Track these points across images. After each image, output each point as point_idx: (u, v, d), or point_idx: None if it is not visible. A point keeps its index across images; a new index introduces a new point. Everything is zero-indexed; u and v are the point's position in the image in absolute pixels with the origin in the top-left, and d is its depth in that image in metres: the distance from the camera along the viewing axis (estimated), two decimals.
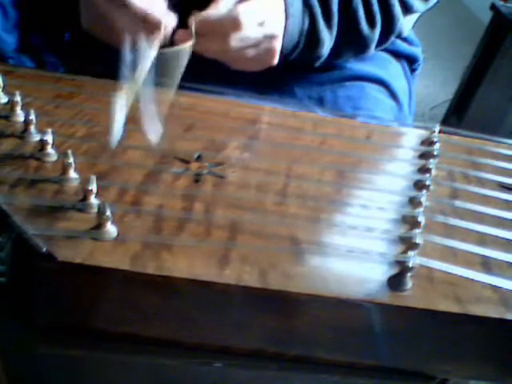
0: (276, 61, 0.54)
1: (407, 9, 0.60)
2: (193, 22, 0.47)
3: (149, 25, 0.47)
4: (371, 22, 0.58)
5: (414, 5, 0.60)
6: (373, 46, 0.61)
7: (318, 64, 0.60)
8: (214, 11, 0.48)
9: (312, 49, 0.57)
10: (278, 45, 0.53)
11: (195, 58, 0.49)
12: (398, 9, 0.59)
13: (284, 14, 0.53)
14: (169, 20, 0.48)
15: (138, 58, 0.45)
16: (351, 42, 0.60)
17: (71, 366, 0.40)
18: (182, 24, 0.49)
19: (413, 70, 0.74)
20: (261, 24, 0.50)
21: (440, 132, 0.50)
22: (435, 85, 1.85)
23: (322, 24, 0.56)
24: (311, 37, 0.56)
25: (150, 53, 0.46)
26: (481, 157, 0.49)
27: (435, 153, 0.47)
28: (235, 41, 0.49)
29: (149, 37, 0.47)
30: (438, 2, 0.63)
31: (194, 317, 0.35)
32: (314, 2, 0.56)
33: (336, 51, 0.59)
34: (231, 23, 0.48)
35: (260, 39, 0.51)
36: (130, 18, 0.47)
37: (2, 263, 0.33)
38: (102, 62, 0.50)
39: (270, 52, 0.53)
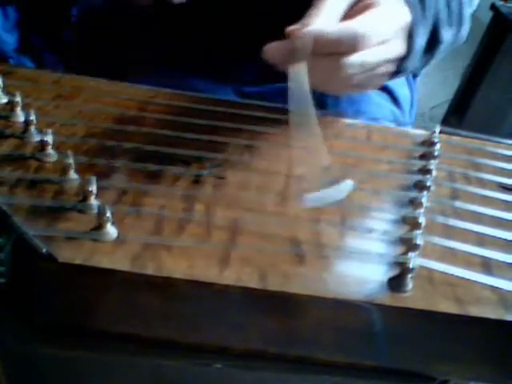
0: (383, 84, 0.46)
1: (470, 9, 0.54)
2: (303, 39, 0.39)
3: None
4: (450, 27, 0.51)
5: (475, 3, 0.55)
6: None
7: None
8: (326, 25, 0.39)
9: (407, 59, 0.47)
10: (393, 67, 0.45)
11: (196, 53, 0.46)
12: (467, 11, 0.53)
13: (407, 26, 0.44)
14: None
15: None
16: (428, 49, 0.50)
17: (71, 366, 0.40)
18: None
19: (414, 76, 0.74)
20: (382, 43, 0.41)
21: (440, 132, 0.50)
22: (435, 85, 1.85)
23: (420, 29, 0.46)
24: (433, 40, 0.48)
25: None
26: (481, 157, 0.49)
27: (435, 153, 0.47)
28: (350, 66, 0.40)
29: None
30: None
31: (193, 318, 0.35)
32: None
33: None
34: (350, 42, 0.39)
35: (379, 63, 0.42)
36: None
37: (2, 264, 0.33)
38: (102, 61, 0.50)
39: (382, 76, 0.44)
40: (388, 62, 0.43)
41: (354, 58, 0.40)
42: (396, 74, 0.47)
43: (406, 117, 0.69)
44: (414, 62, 0.47)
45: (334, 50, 0.40)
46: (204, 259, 0.34)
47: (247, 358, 0.38)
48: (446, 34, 0.50)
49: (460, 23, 0.52)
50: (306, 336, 0.36)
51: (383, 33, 0.41)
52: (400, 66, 0.47)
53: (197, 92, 0.49)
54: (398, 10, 0.43)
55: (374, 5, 0.41)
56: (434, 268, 0.36)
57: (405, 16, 0.44)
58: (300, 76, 0.40)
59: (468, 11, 0.53)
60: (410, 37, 0.45)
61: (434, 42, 0.49)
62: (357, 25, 0.40)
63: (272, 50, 0.40)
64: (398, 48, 0.44)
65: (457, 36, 0.53)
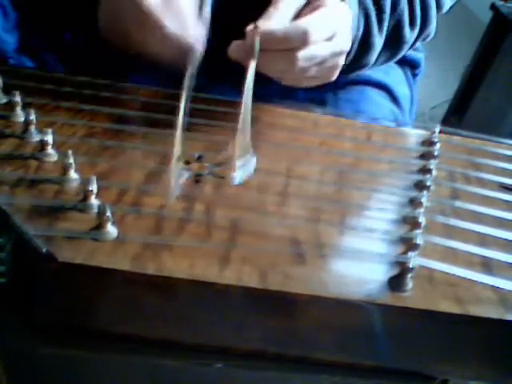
0: (335, 77, 0.49)
1: (438, 10, 0.58)
2: (257, 37, 0.42)
3: (181, 49, 0.44)
4: (412, 27, 0.55)
5: (445, 5, 0.58)
6: (406, 50, 0.58)
7: (360, 72, 0.56)
8: (278, 24, 0.42)
9: (363, 56, 0.53)
10: (342, 61, 0.48)
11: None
12: (434, 11, 0.57)
13: (351, 23, 0.48)
14: (200, 42, 0.45)
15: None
16: (391, 46, 0.56)
17: (71, 366, 0.40)
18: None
19: (414, 75, 0.74)
20: (329, 39, 0.45)
21: (440, 132, 0.50)
22: (435, 85, 1.84)
23: (375, 29, 0.52)
24: (364, 43, 0.52)
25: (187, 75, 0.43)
26: (481, 157, 0.49)
27: (436, 153, 0.47)
28: (303, 60, 0.43)
29: (183, 59, 0.44)
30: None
31: (194, 317, 0.35)
32: (369, 3, 0.51)
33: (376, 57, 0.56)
34: (299, 38, 0.42)
35: (327, 56, 0.46)
36: (161, 39, 0.44)
37: (3, 263, 0.33)
38: (102, 62, 0.50)
39: (332, 69, 0.48)
40: (336, 55, 0.47)
41: (305, 52, 0.43)
42: (354, 69, 0.53)
43: (406, 116, 0.69)
44: (371, 58, 0.53)
45: (286, 46, 0.43)
46: (204, 259, 0.34)
47: (248, 357, 0.38)
48: (410, 35, 0.56)
49: (425, 24, 0.57)
50: (306, 336, 0.36)
51: (330, 29, 0.45)
52: (357, 62, 0.53)
53: (197, 92, 0.49)
54: (343, 10, 0.48)
55: (321, 5, 0.45)
56: (435, 268, 0.36)
57: (349, 15, 0.48)
58: (249, 72, 0.43)
59: (434, 12, 0.57)
60: (367, 36, 0.51)
61: (396, 41, 0.56)
62: (305, 22, 0.43)
63: (233, 49, 0.44)
64: (344, 43, 0.47)
65: (423, 35, 0.58)
